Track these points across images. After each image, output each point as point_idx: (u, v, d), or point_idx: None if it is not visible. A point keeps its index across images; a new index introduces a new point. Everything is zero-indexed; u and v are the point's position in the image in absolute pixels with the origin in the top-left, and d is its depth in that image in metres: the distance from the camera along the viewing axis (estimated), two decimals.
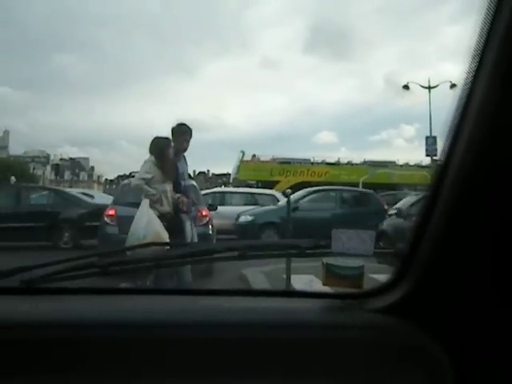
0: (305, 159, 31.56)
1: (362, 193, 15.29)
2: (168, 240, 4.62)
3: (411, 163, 31.93)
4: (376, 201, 14.84)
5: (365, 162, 32.21)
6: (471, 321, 0.96)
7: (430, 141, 25.46)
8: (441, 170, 0.91)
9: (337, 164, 31.40)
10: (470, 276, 0.94)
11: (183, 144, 5.82)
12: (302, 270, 5.47)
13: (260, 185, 26.70)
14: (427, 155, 26.06)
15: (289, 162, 30.77)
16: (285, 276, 5.95)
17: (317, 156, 32.44)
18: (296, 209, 12.57)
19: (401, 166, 31.70)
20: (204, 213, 8.40)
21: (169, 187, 5.57)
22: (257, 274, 7.25)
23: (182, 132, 5.80)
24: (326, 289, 1.23)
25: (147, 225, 4.90)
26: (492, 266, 0.91)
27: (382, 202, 15.43)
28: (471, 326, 0.96)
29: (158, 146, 5.60)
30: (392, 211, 16.75)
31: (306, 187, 25.48)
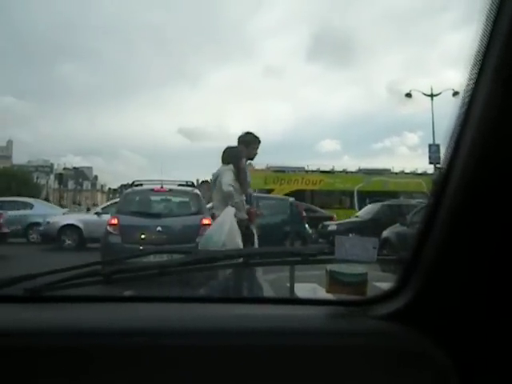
0: (299, 167, 31.53)
1: (278, 200, 15.19)
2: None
3: (407, 171, 31.88)
4: (293, 208, 14.78)
5: (360, 170, 32.11)
6: (475, 326, 0.95)
7: (433, 148, 25.46)
8: (443, 177, 0.91)
9: (331, 172, 31.29)
10: (474, 282, 0.94)
11: (252, 152, 5.94)
12: (305, 279, 5.47)
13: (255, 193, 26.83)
14: (430, 163, 26.06)
15: (283, 171, 30.75)
16: (288, 284, 5.94)
17: (319, 164, 32.44)
18: None
19: (396, 173, 31.64)
20: (207, 221, 8.36)
21: (244, 196, 5.68)
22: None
23: (252, 140, 5.91)
24: (330, 296, 1.23)
25: (229, 234, 4.90)
26: (495, 271, 0.91)
27: (301, 209, 15.39)
28: (475, 331, 0.95)
29: (234, 156, 5.71)
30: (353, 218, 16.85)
31: (301, 195, 25.54)
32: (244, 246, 4.92)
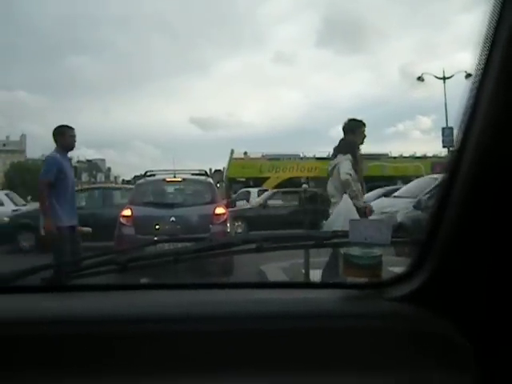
0: (294, 155, 31.58)
1: (125, 190, 14.81)
2: None
3: (405, 155, 31.66)
4: None
5: None
6: (490, 306, 0.95)
7: (447, 132, 25.18)
8: (455, 158, 0.91)
9: (327, 158, 31.22)
10: (489, 262, 0.93)
11: (361, 137, 6.04)
12: (320, 265, 5.48)
13: (251, 182, 26.97)
14: (444, 146, 25.83)
15: (278, 158, 30.82)
16: (303, 271, 5.97)
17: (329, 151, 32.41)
18: None
19: (394, 158, 31.41)
20: (221, 210, 8.34)
21: (360, 185, 5.79)
22: (275, 270, 7.25)
23: (357, 126, 6.00)
24: (344, 279, 1.23)
25: (346, 220, 4.96)
26: (510, 251, 0.91)
27: None
28: (490, 311, 0.95)
29: (350, 145, 5.83)
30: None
31: (296, 183, 25.59)
32: None
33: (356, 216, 5.04)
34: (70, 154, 6.05)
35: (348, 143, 5.85)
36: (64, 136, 5.81)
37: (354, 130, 5.93)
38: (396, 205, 12.45)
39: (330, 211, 5.55)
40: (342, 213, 4.97)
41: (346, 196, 5.28)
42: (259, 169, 29.72)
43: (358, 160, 5.81)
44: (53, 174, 5.56)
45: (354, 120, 6.04)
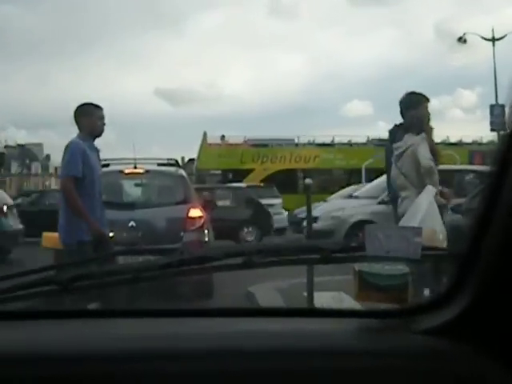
0: (287, 139, 31.39)
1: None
2: (444, 245, 4.69)
3: (436, 140, 31.91)
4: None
5: (369, 141, 31.66)
6: None
7: (497, 110, 25.24)
8: (508, 145, 0.91)
9: (330, 145, 31.01)
10: None
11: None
12: (327, 286, 5.50)
13: (229, 175, 26.84)
14: (492, 129, 25.93)
15: (265, 145, 30.62)
16: (305, 294, 5.97)
17: (345, 134, 32.28)
18: None
19: None
20: (197, 213, 8.34)
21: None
22: (269, 292, 7.26)
23: (420, 101, 6.06)
24: (360, 305, 1.24)
25: (424, 219, 4.93)
26: None
27: None
28: None
29: (422, 122, 5.88)
30: None
31: (291, 176, 25.58)
32: None
33: (438, 216, 5.03)
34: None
35: (418, 119, 5.86)
36: (91, 118, 5.69)
37: (416, 106, 5.95)
38: (352, 207, 12.92)
39: (399, 210, 5.54)
40: (421, 210, 4.93)
41: (430, 187, 5.31)
42: (240, 158, 29.50)
43: (433, 141, 5.88)
44: (79, 169, 5.40)
45: (414, 93, 6.08)
